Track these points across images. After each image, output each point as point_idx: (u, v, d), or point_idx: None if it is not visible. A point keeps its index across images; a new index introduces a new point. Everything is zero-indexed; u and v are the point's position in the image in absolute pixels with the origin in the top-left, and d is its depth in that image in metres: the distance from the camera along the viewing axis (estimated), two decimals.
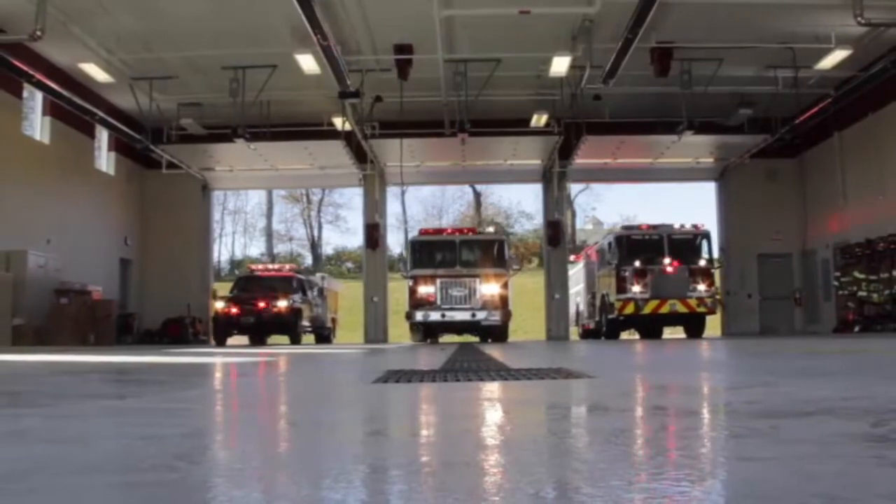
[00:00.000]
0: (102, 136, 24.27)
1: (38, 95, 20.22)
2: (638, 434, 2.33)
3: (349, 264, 54.11)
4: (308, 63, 18.84)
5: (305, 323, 24.05)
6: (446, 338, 23.97)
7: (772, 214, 26.17)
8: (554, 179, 26.55)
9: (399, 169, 23.65)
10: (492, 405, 3.47)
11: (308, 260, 54.31)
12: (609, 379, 5.05)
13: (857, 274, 21.28)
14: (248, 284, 23.91)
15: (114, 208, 25.07)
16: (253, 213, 56.11)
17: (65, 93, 19.00)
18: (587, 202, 56.83)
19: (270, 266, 29.08)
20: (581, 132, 22.89)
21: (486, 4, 16.63)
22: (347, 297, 34.33)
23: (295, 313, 22.64)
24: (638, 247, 22.21)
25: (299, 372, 7.25)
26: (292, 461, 2.00)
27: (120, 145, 24.59)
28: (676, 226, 22.64)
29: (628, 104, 23.02)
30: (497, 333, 22.48)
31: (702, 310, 21.65)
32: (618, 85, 19.29)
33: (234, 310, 22.07)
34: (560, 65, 19.24)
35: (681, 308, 21.44)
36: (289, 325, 22.44)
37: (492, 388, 4.17)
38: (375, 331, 26.54)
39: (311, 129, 23.50)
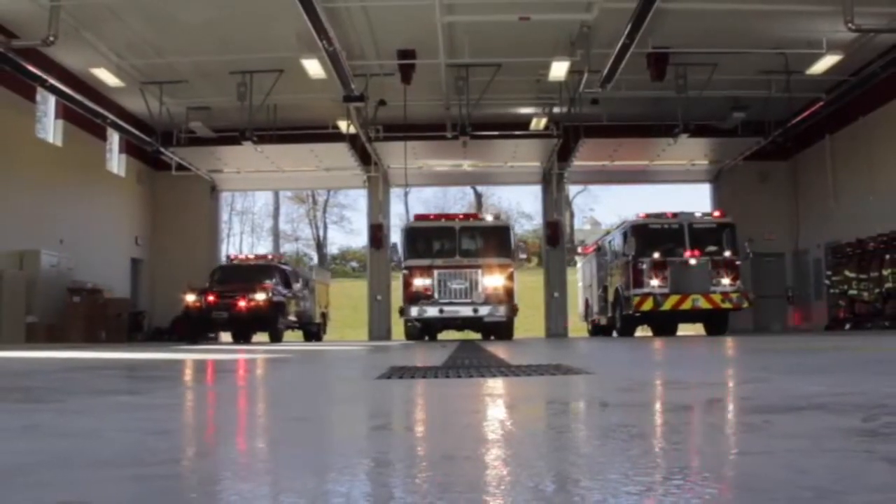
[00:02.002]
0: (114, 138, 24.30)
1: (51, 99, 20.24)
2: (634, 429, 2.33)
3: (354, 263, 54.14)
4: (314, 68, 18.85)
5: (292, 318, 21.57)
6: (445, 334, 21.83)
7: (765, 215, 26.15)
8: (553, 181, 26.55)
9: (402, 171, 23.53)
10: (492, 401, 3.47)
11: (314, 259, 54.34)
12: (607, 375, 5.05)
13: (847, 273, 21.24)
14: (226, 275, 20.99)
15: (125, 209, 25.11)
16: (260, 214, 56.03)
17: (77, 96, 19.03)
18: (585, 203, 56.74)
19: (251, 255, 24.85)
20: (579, 135, 22.86)
21: (487, 11, 16.64)
22: (353, 296, 34.32)
23: (275, 307, 19.75)
24: (656, 237, 19.81)
25: (304, 368, 7.25)
26: (298, 455, 2.00)
27: (131, 148, 24.63)
28: (698, 214, 20.47)
29: (625, 108, 23.03)
30: (501, 330, 20.12)
31: (727, 306, 19.30)
32: (615, 89, 19.28)
33: (205, 303, 19.23)
34: (559, 70, 19.24)
35: (704, 304, 19.13)
36: (268, 320, 19.58)
37: (492, 385, 4.17)
38: (379, 328, 26.58)
39: (316, 132, 23.53)
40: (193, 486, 1.60)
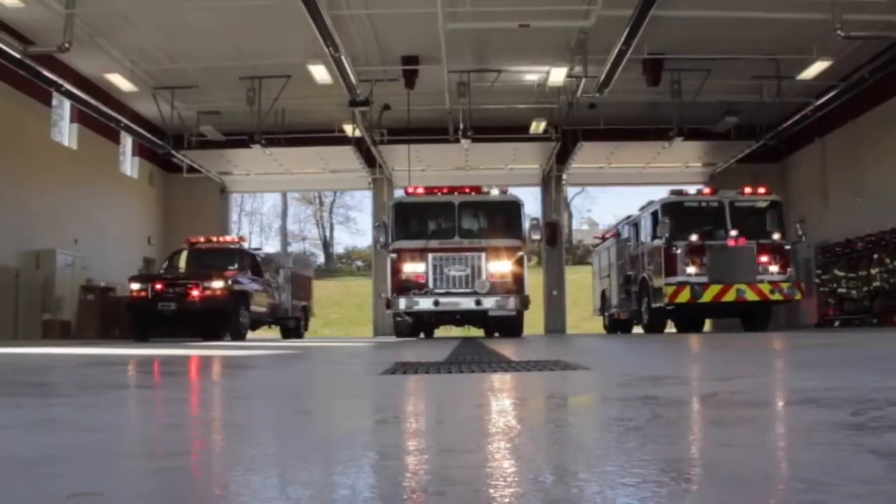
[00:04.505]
0: (127, 141, 24.35)
1: (67, 103, 20.29)
2: (630, 422, 2.33)
3: (359, 263, 54.24)
4: (320, 73, 18.88)
5: (261, 310, 18.33)
6: (442, 331, 19.26)
7: None
8: (552, 183, 26.59)
9: (406, 173, 23.53)
10: (493, 395, 3.46)
11: (320, 258, 54.44)
12: (605, 371, 5.04)
13: (837, 272, 21.25)
14: (183, 261, 18.32)
15: (137, 210, 25.14)
16: (268, 215, 56.13)
17: (91, 101, 19.09)
18: (583, 204, 56.87)
19: (214, 239, 20.19)
20: (577, 138, 22.88)
21: (488, 19, 16.65)
22: (358, 294, 34.33)
23: (236, 297, 16.41)
24: (692, 217, 16.76)
25: (306, 365, 7.24)
26: (305, 448, 2.00)
27: (143, 150, 24.68)
28: (740, 191, 17.33)
29: (622, 112, 23.04)
30: (509, 326, 16.71)
31: (776, 297, 16.20)
32: (612, 94, 19.30)
33: (150, 293, 15.98)
34: (557, 75, 19.28)
35: (750, 295, 15.97)
36: (226, 313, 16.22)
37: (493, 380, 4.16)
38: (384, 326, 26.60)
39: (323, 136, 23.59)
40: (203, 477, 1.60)
